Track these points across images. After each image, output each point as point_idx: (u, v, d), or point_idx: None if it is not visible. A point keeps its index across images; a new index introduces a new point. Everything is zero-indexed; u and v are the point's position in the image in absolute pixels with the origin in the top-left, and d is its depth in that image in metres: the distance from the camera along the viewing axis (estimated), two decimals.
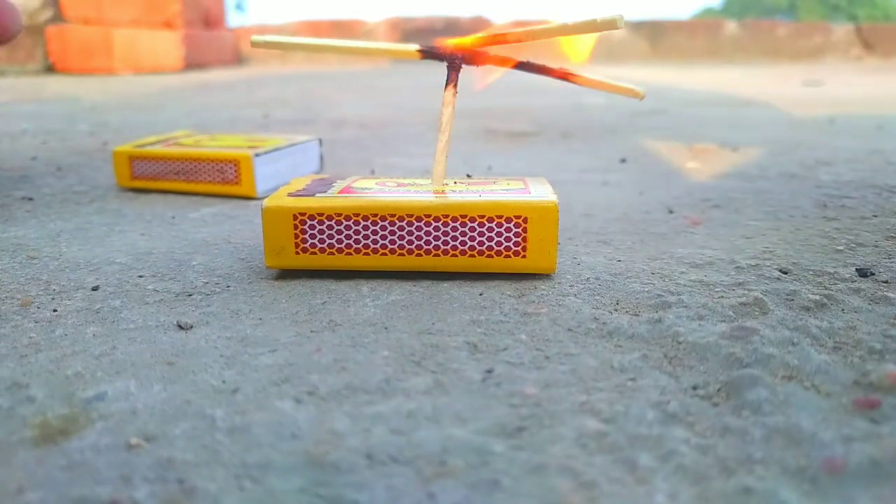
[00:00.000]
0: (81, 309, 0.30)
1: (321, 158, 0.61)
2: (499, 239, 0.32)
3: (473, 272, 0.32)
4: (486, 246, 0.32)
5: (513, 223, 0.31)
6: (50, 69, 2.59)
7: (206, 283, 0.33)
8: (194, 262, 0.36)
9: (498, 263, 0.32)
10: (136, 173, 0.54)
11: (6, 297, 0.31)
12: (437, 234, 0.32)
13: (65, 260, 0.37)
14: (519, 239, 0.32)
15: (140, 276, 0.34)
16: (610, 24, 0.31)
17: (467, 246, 0.32)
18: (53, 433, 0.20)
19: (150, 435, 0.20)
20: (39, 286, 0.33)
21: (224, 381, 0.23)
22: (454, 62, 0.35)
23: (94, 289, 0.32)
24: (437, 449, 0.19)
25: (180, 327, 0.28)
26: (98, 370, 0.24)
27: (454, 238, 0.32)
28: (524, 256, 0.32)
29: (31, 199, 0.52)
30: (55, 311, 0.30)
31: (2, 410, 0.22)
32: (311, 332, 0.27)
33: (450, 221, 0.31)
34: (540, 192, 0.33)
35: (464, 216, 0.31)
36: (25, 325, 0.28)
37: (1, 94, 1.64)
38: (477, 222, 0.31)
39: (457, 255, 0.32)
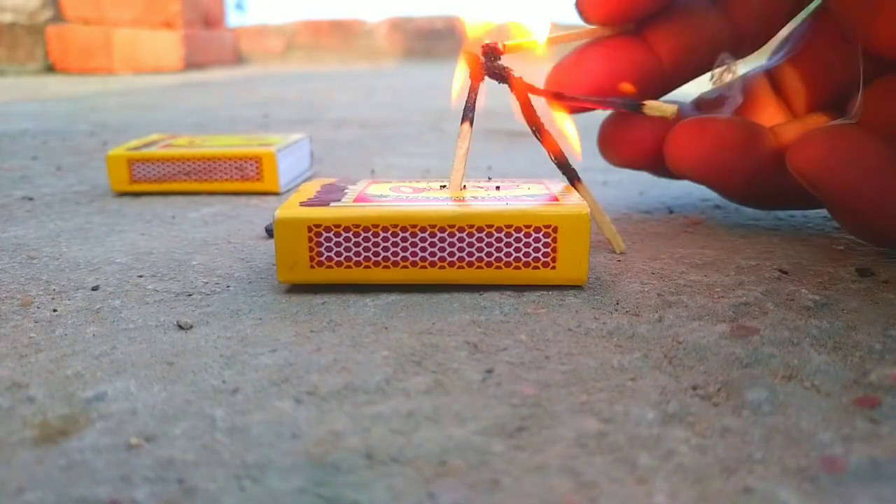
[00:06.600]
0: (81, 309, 0.30)
1: (311, 155, 0.62)
2: (526, 250, 0.30)
3: (499, 284, 0.31)
4: (513, 257, 0.30)
5: (542, 233, 0.30)
6: (50, 69, 2.59)
7: (206, 283, 0.33)
8: (194, 262, 0.36)
9: (525, 275, 0.30)
10: (136, 177, 0.53)
11: (6, 297, 0.31)
12: (461, 245, 0.30)
13: (65, 260, 0.37)
14: (548, 249, 0.30)
15: (140, 276, 0.34)
16: (660, 111, 0.34)
17: (493, 257, 0.30)
18: (53, 433, 0.20)
19: (150, 435, 0.20)
20: (39, 286, 0.33)
21: (224, 381, 0.23)
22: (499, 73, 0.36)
23: (94, 289, 0.32)
24: (437, 449, 0.19)
25: (180, 327, 0.28)
26: (98, 370, 0.24)
27: (479, 249, 0.30)
28: (553, 268, 0.30)
29: (31, 199, 0.52)
30: (55, 311, 0.30)
31: (2, 410, 0.22)
32: (311, 331, 0.27)
33: (475, 232, 0.30)
34: (569, 199, 0.32)
35: (490, 226, 0.30)
36: (25, 325, 0.28)
37: (1, 94, 1.64)
38: (504, 232, 0.30)
39: (482, 268, 0.30)
